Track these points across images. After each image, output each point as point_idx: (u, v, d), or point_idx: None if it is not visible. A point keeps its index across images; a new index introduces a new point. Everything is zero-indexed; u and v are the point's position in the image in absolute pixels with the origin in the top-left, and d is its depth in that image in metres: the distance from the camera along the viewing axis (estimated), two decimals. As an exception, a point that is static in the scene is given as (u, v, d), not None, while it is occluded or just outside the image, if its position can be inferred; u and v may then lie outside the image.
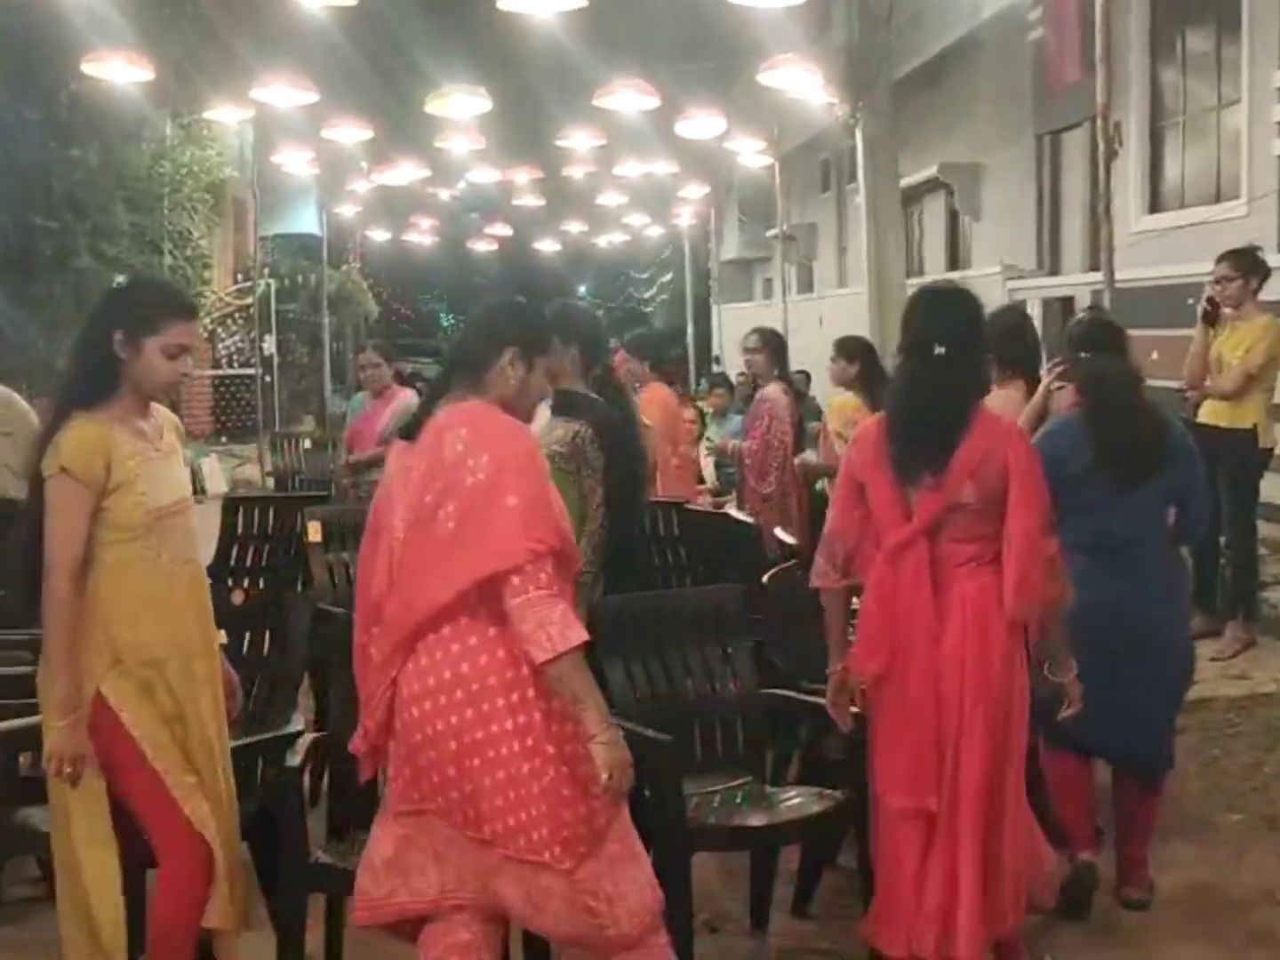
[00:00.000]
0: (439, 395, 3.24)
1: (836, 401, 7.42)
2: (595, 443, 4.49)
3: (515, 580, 2.89)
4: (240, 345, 19.53)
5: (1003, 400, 4.74)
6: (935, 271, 18.25)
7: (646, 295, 35.77)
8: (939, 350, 3.50)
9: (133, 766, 3.34)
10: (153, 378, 3.40)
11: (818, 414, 9.62)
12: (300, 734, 3.95)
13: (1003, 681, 3.45)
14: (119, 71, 9.57)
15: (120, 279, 13.77)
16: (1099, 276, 8.23)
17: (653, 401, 7.43)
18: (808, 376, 12.65)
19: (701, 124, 11.44)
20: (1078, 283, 12.33)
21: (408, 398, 7.63)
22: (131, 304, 3.46)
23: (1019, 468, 3.45)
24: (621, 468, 4.55)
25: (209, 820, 3.37)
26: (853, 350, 7.06)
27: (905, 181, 14.09)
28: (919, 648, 3.44)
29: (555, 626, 2.88)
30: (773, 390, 7.52)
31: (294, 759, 3.77)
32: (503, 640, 2.97)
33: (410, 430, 3.20)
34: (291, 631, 4.36)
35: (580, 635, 2.91)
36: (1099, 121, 7.96)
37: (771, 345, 7.70)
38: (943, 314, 3.60)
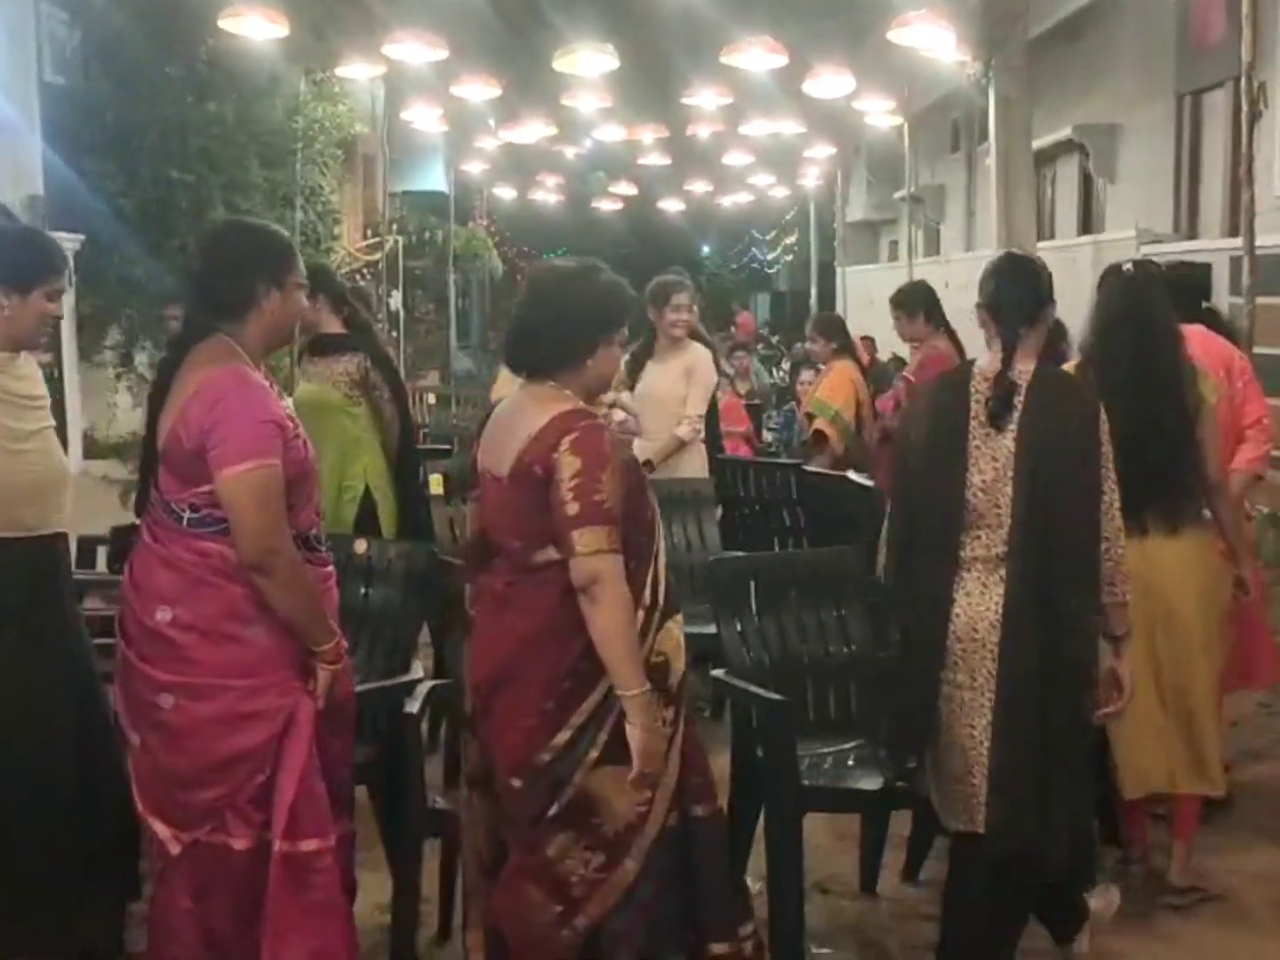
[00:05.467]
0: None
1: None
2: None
3: None
4: (367, 300, 19.77)
5: None
6: (1066, 235, 17.83)
7: (770, 256, 35.54)
8: None
9: None
10: None
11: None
12: (419, 681, 4.03)
13: None
14: (255, 27, 9.71)
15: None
16: (1238, 242, 7.98)
17: (841, 383, 7.44)
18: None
19: (830, 83, 11.27)
20: (1216, 248, 11.95)
21: None
22: None
23: None
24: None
25: None
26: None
27: (1038, 143, 13.76)
28: None
29: None
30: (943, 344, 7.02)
31: (413, 706, 3.84)
32: None
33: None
34: (412, 581, 4.43)
35: None
36: (1243, 81, 7.71)
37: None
38: None
